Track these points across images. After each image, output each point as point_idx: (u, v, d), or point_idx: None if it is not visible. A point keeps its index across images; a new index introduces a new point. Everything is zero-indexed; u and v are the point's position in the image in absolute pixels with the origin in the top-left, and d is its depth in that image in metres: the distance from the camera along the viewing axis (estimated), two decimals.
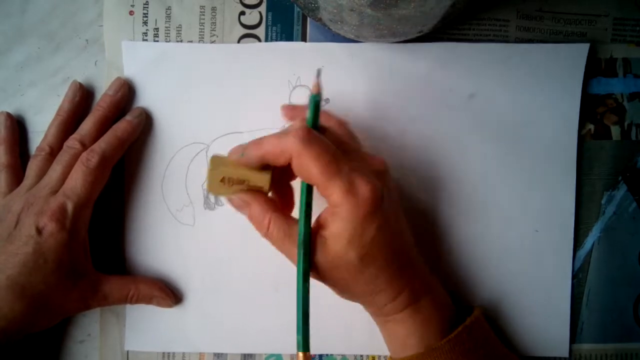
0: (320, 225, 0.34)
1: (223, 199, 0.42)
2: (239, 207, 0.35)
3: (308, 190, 0.33)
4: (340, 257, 0.33)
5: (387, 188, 0.34)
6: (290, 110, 0.41)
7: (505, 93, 0.42)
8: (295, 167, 0.32)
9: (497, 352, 0.38)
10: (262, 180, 0.34)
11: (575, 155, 0.42)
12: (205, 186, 0.42)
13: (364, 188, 0.32)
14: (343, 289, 0.35)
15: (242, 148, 0.34)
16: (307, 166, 0.32)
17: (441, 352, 0.35)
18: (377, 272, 0.34)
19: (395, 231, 0.34)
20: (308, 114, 0.33)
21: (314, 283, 0.42)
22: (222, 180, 0.34)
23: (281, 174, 0.36)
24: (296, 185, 0.36)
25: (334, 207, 0.33)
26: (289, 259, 0.34)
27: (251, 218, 0.34)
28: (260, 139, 0.33)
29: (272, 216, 0.34)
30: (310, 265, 0.33)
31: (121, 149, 0.40)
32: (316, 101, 0.33)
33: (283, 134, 0.33)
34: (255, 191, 0.34)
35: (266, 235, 0.34)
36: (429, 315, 0.36)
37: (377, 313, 0.37)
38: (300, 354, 0.32)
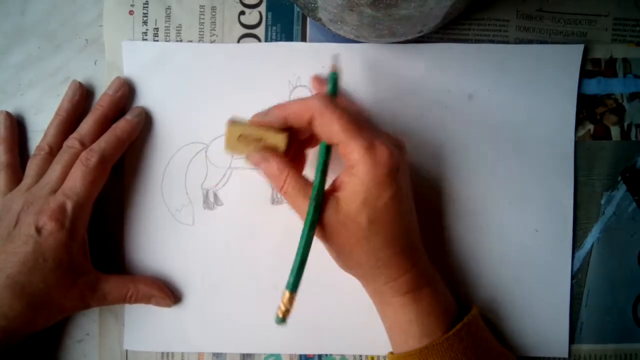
0: (335, 187, 0.35)
1: (235, 163, 0.42)
2: (257, 163, 0.36)
3: (327, 149, 0.35)
4: (350, 217, 0.34)
5: (403, 163, 0.36)
6: (318, 82, 0.41)
7: (503, 94, 0.42)
8: (317, 126, 0.34)
9: (494, 351, 0.38)
10: (279, 139, 0.35)
11: (573, 155, 0.42)
12: (202, 184, 0.42)
13: (383, 151, 0.34)
14: (346, 255, 0.36)
15: (265, 112, 0.35)
16: (330, 123, 0.34)
17: (440, 348, 0.35)
18: (382, 243, 0.34)
19: (405, 209, 0.35)
20: (328, 87, 0.37)
21: (314, 283, 0.42)
22: (239, 138, 0.35)
23: (294, 141, 0.37)
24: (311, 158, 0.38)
25: (352, 166, 0.34)
26: (299, 215, 0.35)
27: (269, 174, 0.36)
28: (283, 103, 0.35)
29: (289, 172, 0.35)
30: (318, 220, 0.34)
31: (121, 148, 0.40)
32: (334, 78, 0.36)
33: (306, 98, 0.35)
34: (272, 150, 0.35)
35: (282, 190, 0.35)
36: (430, 306, 0.36)
37: (377, 292, 0.37)
38: (287, 293, 0.33)
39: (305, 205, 0.34)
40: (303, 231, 0.34)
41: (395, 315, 0.37)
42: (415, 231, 0.37)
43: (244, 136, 0.35)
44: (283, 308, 0.33)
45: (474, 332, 0.37)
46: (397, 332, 0.37)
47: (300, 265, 0.34)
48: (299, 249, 0.34)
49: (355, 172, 0.34)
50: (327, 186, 0.35)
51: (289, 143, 0.36)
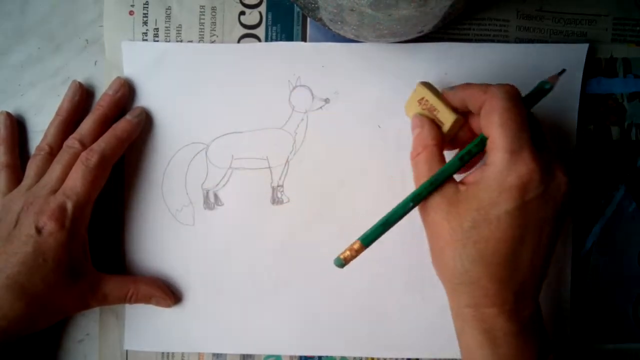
0: (463, 180, 0.34)
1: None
2: (415, 125, 0.36)
3: (482, 143, 0.34)
4: (458, 213, 0.32)
5: (548, 199, 0.32)
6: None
7: None
8: (483, 112, 0.33)
9: None
10: (448, 117, 0.36)
11: (575, 155, 0.42)
12: (202, 184, 0.42)
13: (526, 163, 0.31)
14: (437, 251, 0.34)
15: (453, 87, 0.36)
16: (492, 113, 0.32)
17: None
18: (476, 257, 0.32)
19: (523, 237, 0.31)
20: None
21: (314, 283, 0.42)
22: (420, 100, 0.37)
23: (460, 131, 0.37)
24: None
25: (489, 165, 0.32)
26: (415, 182, 0.35)
27: (416, 137, 0.36)
28: (469, 83, 0.35)
29: (433, 145, 0.35)
30: (425, 198, 0.34)
31: (121, 148, 0.40)
32: (545, 88, 0.35)
33: (489, 86, 0.34)
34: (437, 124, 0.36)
35: (415, 157, 0.35)
36: (512, 357, 0.32)
37: (458, 315, 0.34)
38: (358, 243, 0.33)
39: (425, 177, 0.34)
40: (406, 198, 0.34)
41: (469, 351, 0.33)
42: (530, 270, 0.32)
43: (424, 101, 0.37)
44: (347, 253, 0.34)
45: None
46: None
47: (384, 224, 0.34)
48: (391, 210, 0.34)
49: (487, 172, 0.32)
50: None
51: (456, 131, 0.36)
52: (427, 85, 0.37)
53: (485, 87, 0.33)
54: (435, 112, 0.36)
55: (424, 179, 0.34)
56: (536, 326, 0.33)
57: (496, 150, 0.32)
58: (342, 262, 0.34)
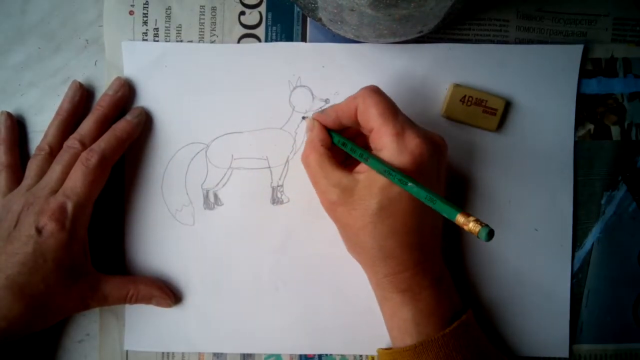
0: (359, 169, 0.36)
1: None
2: (308, 129, 0.39)
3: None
4: (363, 199, 0.35)
5: (437, 160, 0.36)
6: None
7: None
8: (359, 114, 0.36)
9: (489, 352, 0.38)
10: (500, 103, 0.41)
11: (572, 155, 0.42)
12: (202, 184, 0.42)
13: (412, 140, 0.34)
14: (351, 237, 0.37)
15: (321, 111, 0.39)
16: (369, 109, 0.35)
17: (435, 345, 0.35)
18: (388, 232, 0.35)
19: (422, 205, 0.34)
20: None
21: (314, 283, 0.42)
22: (463, 99, 0.41)
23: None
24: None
25: (379, 150, 0.35)
26: (312, 181, 0.38)
27: (307, 141, 0.39)
28: (335, 104, 0.38)
29: (321, 146, 0.37)
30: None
31: (121, 148, 0.40)
32: None
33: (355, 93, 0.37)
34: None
35: (305, 158, 0.38)
36: (429, 307, 0.36)
37: (378, 286, 0.37)
38: (458, 216, 0.31)
39: (321, 176, 0.36)
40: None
41: (393, 312, 0.37)
42: (431, 231, 0.37)
43: (467, 98, 0.41)
44: (477, 224, 0.30)
45: (470, 332, 0.37)
46: (395, 328, 0.37)
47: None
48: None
49: (381, 156, 0.35)
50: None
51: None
52: (458, 85, 0.41)
53: (351, 96, 0.37)
54: (484, 104, 0.40)
55: (321, 177, 0.36)
56: (446, 281, 0.38)
57: (383, 136, 0.35)
58: (487, 232, 0.30)
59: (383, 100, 0.35)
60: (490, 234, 0.30)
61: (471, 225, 0.30)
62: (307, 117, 0.41)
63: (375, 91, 0.36)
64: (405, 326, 0.36)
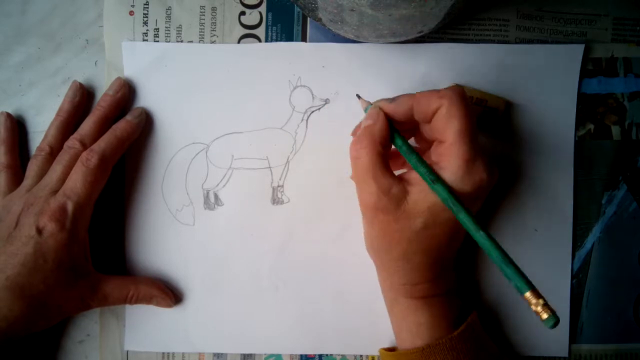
0: (410, 180, 0.34)
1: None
2: (370, 116, 0.35)
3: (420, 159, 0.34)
4: (409, 214, 0.33)
5: (489, 191, 0.35)
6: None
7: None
8: (439, 117, 0.33)
9: (493, 352, 0.38)
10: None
11: (573, 155, 0.42)
12: (202, 184, 0.42)
13: (480, 173, 0.33)
14: (382, 242, 0.35)
15: (392, 98, 0.35)
16: (451, 119, 0.32)
17: (443, 348, 0.35)
18: (422, 252, 0.34)
19: (459, 234, 0.35)
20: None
21: (314, 283, 0.42)
22: None
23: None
24: None
25: (442, 168, 0.33)
26: (354, 178, 0.35)
27: (366, 128, 0.35)
28: (411, 93, 0.34)
29: (379, 143, 0.34)
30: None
31: (121, 148, 0.40)
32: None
33: (439, 89, 0.34)
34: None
35: (358, 150, 0.34)
36: (442, 311, 0.36)
37: (391, 288, 0.37)
38: (528, 294, 0.29)
39: (369, 175, 0.34)
40: (475, 230, 0.32)
41: (404, 315, 0.37)
42: (453, 250, 0.37)
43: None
44: (544, 310, 0.29)
45: (476, 334, 0.37)
46: (405, 331, 0.37)
47: (508, 261, 0.30)
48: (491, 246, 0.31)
49: (442, 176, 0.33)
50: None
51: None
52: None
53: (437, 91, 0.33)
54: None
55: (370, 179, 0.34)
56: (456, 287, 0.38)
57: (453, 157, 0.33)
58: (553, 319, 0.29)
59: (469, 114, 0.33)
60: (556, 324, 0.29)
61: (538, 309, 0.29)
62: (362, 97, 0.37)
63: (464, 99, 0.33)
64: (417, 330, 0.36)
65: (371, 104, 0.36)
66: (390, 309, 0.38)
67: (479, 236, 0.31)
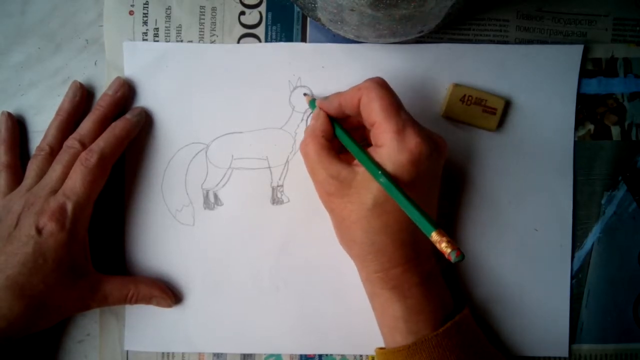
0: (357, 162, 0.36)
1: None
2: (313, 117, 0.39)
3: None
4: (360, 194, 0.35)
5: (435, 160, 0.36)
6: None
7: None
8: (362, 105, 0.35)
9: (484, 351, 0.38)
10: (499, 102, 0.41)
11: (572, 155, 0.42)
12: (202, 184, 0.42)
13: (412, 139, 0.34)
14: (344, 229, 0.37)
15: (324, 98, 0.39)
16: (372, 102, 0.35)
17: (429, 345, 0.35)
18: (381, 228, 0.35)
19: (431, 201, 0.35)
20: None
21: (314, 283, 0.42)
22: (463, 98, 0.41)
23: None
24: None
25: (379, 146, 0.35)
26: (308, 170, 0.38)
27: (308, 129, 0.38)
28: (339, 92, 0.38)
29: (321, 137, 0.37)
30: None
31: (120, 147, 0.40)
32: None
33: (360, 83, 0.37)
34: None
35: (304, 147, 0.38)
36: (419, 305, 0.36)
37: (368, 281, 0.37)
38: (434, 234, 0.32)
39: (319, 164, 0.36)
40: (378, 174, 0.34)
41: (383, 309, 0.37)
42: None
43: (467, 97, 0.40)
44: (448, 246, 0.31)
45: (465, 330, 0.37)
46: (385, 326, 0.37)
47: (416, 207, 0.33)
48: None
49: (380, 153, 0.35)
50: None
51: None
52: (458, 84, 0.41)
53: (356, 86, 0.36)
54: (484, 103, 0.40)
55: (320, 168, 0.36)
56: (438, 279, 0.38)
57: (384, 132, 0.35)
58: (458, 255, 0.31)
59: (387, 94, 0.35)
60: (460, 258, 0.31)
61: (443, 246, 0.31)
62: (308, 94, 0.41)
63: (381, 84, 0.35)
64: (394, 324, 0.36)
65: (313, 100, 0.40)
66: (372, 303, 0.38)
67: (383, 182, 0.34)
